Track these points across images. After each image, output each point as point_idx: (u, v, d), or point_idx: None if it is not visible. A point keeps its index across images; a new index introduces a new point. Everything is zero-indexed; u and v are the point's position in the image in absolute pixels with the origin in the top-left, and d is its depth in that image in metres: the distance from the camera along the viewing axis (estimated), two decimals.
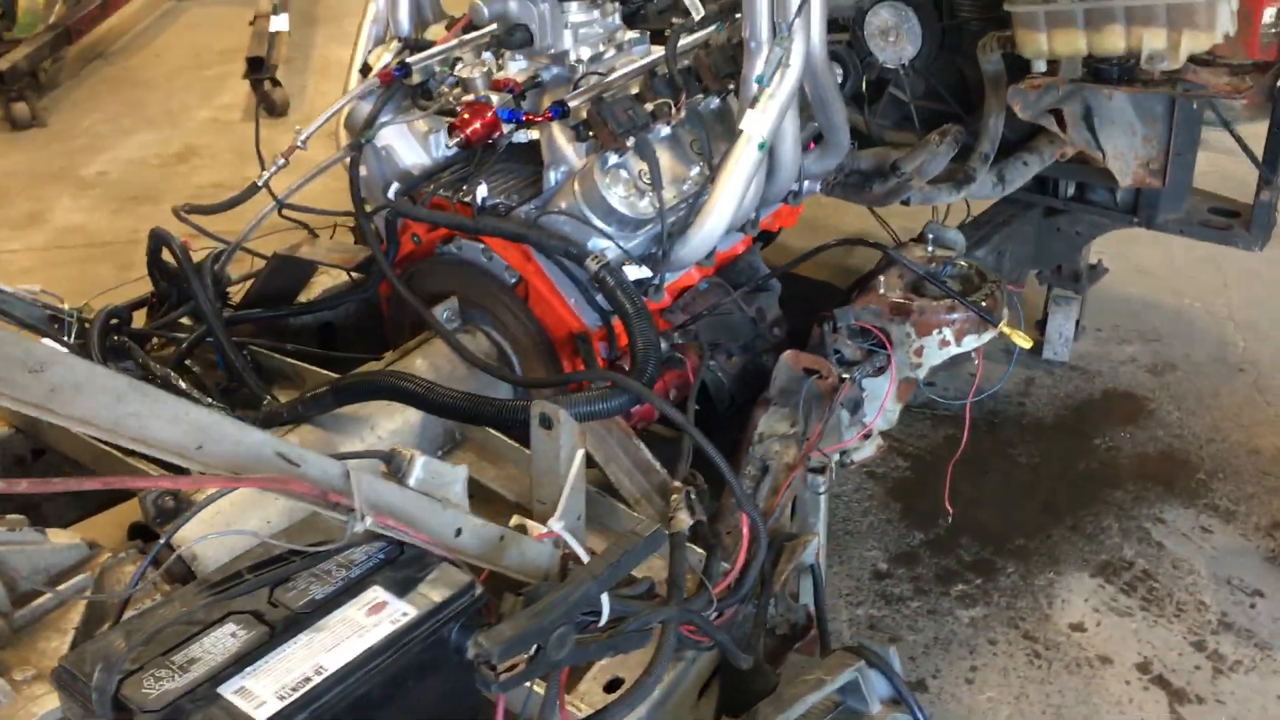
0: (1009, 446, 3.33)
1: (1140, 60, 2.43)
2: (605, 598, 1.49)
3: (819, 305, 2.65)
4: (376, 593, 1.47)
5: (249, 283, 2.90)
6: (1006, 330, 2.50)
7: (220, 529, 2.15)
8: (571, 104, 2.34)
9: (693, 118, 2.43)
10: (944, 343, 2.59)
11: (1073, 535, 3.00)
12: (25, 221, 4.84)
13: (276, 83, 5.77)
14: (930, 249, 2.76)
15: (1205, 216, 3.12)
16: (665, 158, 2.44)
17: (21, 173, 5.28)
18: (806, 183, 2.86)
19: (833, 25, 2.95)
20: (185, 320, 2.72)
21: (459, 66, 2.41)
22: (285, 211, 2.66)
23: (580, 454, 1.76)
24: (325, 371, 2.63)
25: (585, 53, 2.59)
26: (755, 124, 2.27)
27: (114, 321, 2.59)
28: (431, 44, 2.66)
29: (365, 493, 1.43)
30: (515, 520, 1.74)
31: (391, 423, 2.35)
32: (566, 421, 1.76)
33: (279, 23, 2.72)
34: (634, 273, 2.35)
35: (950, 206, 3.13)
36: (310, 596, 1.45)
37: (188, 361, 2.62)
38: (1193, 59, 2.53)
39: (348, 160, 2.58)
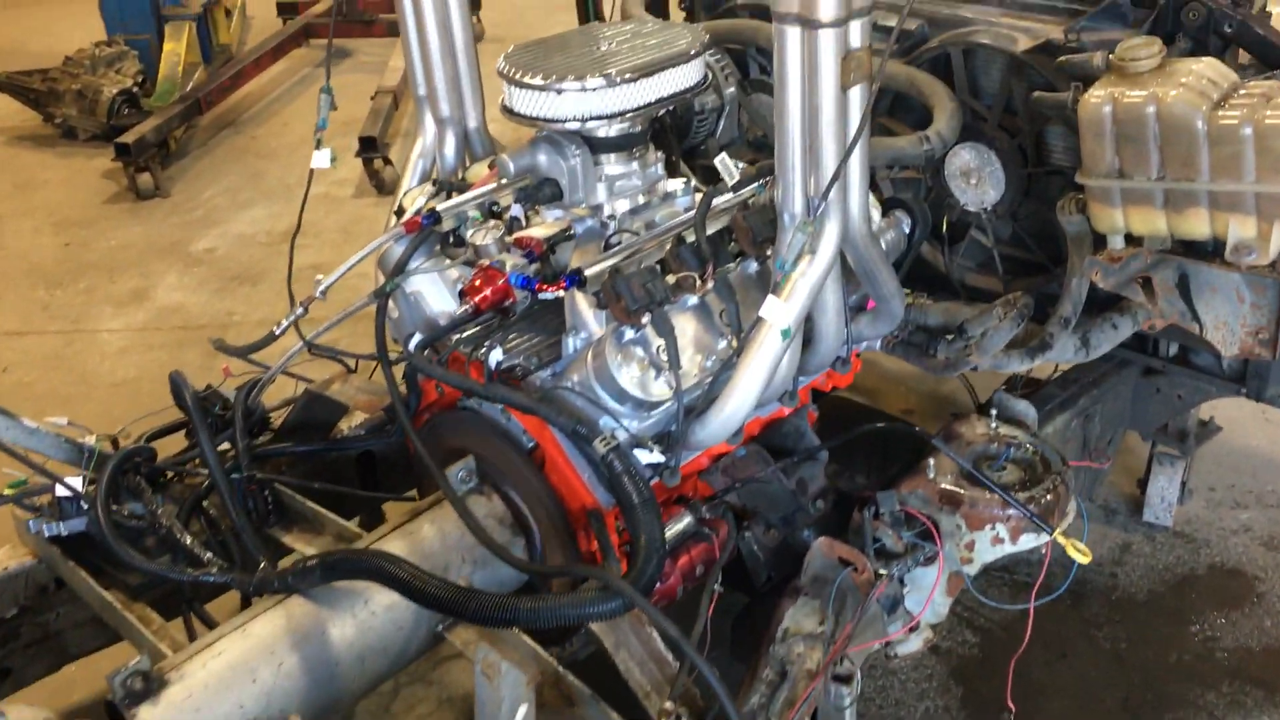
0: (1093, 626, 3.03)
1: (1225, 250, 2.16)
2: None
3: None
4: None
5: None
6: (1062, 540, 2.24)
7: (190, 713, 2.07)
8: (589, 272, 2.19)
9: (723, 288, 2.25)
10: (997, 540, 2.35)
11: None
12: (129, 299, 4.94)
13: (387, 161, 5.81)
14: (994, 424, 2.52)
15: None
16: (691, 328, 2.27)
17: (136, 245, 5.42)
18: (865, 344, 2.65)
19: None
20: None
21: (471, 232, 2.29)
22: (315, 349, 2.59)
23: (524, 709, 1.59)
24: (342, 521, 2.54)
25: (622, 206, 2.45)
26: (776, 312, 2.08)
27: (136, 460, 2.55)
28: (470, 186, 2.55)
29: None
30: None
31: (387, 597, 2.23)
32: (509, 674, 1.60)
33: (320, 159, 2.62)
34: (647, 456, 2.18)
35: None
36: None
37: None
38: None
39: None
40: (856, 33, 2.01)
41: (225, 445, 2.65)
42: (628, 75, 2.30)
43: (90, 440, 2.60)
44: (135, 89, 6.56)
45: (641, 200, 2.49)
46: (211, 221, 5.62)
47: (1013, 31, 2.77)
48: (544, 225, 2.45)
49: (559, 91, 2.27)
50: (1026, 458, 2.44)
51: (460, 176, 2.68)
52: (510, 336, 2.38)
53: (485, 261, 2.25)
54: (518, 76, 2.31)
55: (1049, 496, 2.34)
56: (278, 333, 2.49)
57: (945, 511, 2.37)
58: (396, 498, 2.81)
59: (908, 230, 2.73)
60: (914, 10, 2.95)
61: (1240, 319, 2.62)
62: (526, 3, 8.46)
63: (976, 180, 2.88)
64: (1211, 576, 3.16)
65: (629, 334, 2.17)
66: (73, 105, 6.46)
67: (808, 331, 2.36)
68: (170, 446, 2.74)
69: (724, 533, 2.46)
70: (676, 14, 3.63)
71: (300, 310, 2.46)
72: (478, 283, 2.20)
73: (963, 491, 2.34)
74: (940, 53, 2.86)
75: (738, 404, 2.18)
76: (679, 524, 2.39)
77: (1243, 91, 2.14)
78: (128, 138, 5.82)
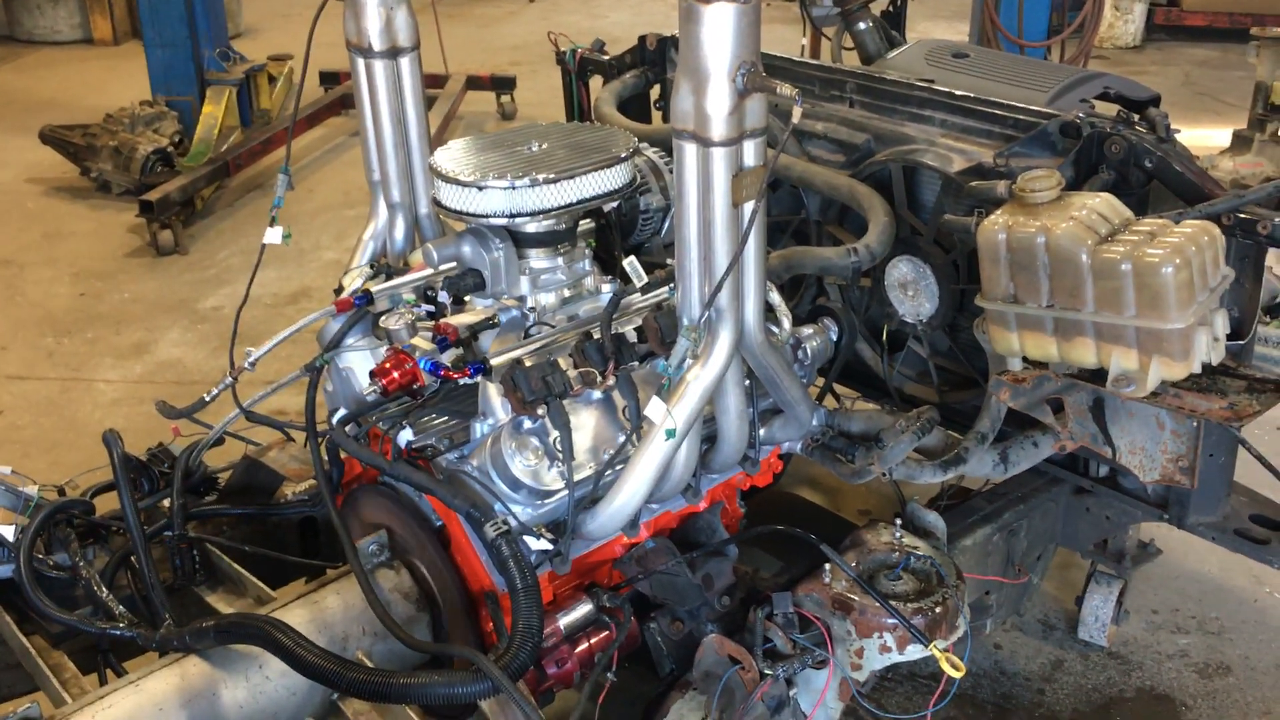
0: None
1: (1109, 379, 2.20)
2: None
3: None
4: None
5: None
6: (937, 653, 2.27)
7: None
8: (495, 362, 2.29)
9: (626, 384, 2.33)
10: (885, 648, 2.38)
11: None
12: (130, 351, 5.10)
13: None
14: (898, 534, 2.56)
15: (1244, 524, 2.80)
16: (593, 421, 2.35)
17: (147, 299, 5.60)
18: (786, 446, 2.72)
19: None
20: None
21: (384, 317, 2.39)
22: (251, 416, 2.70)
23: None
24: (261, 585, 2.63)
25: (546, 299, 2.55)
26: (659, 413, 2.15)
27: (71, 512, 2.66)
28: (408, 269, 2.67)
29: None
30: None
31: (282, 664, 2.29)
32: None
33: (272, 236, 2.75)
34: (536, 544, 2.25)
35: None
36: None
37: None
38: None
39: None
40: (750, 152, 2.11)
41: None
42: (552, 175, 2.41)
43: (33, 490, 2.72)
44: (170, 148, 6.81)
45: (567, 294, 2.59)
46: (223, 280, 5.81)
47: (950, 152, 2.86)
48: (473, 312, 2.55)
49: (481, 188, 2.38)
50: (924, 569, 2.47)
51: (403, 262, 2.79)
52: (428, 417, 2.48)
53: (397, 346, 2.34)
54: (447, 172, 2.43)
55: (938, 609, 2.36)
56: (207, 399, 2.61)
57: (837, 617, 2.40)
58: (329, 565, 2.89)
59: (835, 338, 2.80)
60: (861, 125, 3.06)
61: (1161, 445, 2.66)
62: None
63: (913, 293, 2.95)
64: (1139, 701, 3.15)
65: (526, 424, 2.25)
66: (108, 161, 6.71)
67: (713, 432, 2.43)
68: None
69: (624, 622, 2.52)
70: (656, 115, 3.76)
71: (229, 380, 2.58)
72: (387, 365, 2.30)
73: (854, 599, 2.38)
74: (883, 167, 2.95)
75: (626, 498, 2.25)
76: (579, 611, 2.45)
77: (1134, 227, 2.21)
78: (152, 195, 6.04)
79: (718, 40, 2.01)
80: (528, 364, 2.25)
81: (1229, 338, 2.51)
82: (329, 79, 8.38)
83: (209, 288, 5.72)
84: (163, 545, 2.70)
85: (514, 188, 2.39)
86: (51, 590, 2.54)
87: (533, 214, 2.42)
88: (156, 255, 6.06)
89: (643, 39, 3.61)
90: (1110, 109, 2.89)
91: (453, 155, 2.50)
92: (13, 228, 6.46)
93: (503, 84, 8.22)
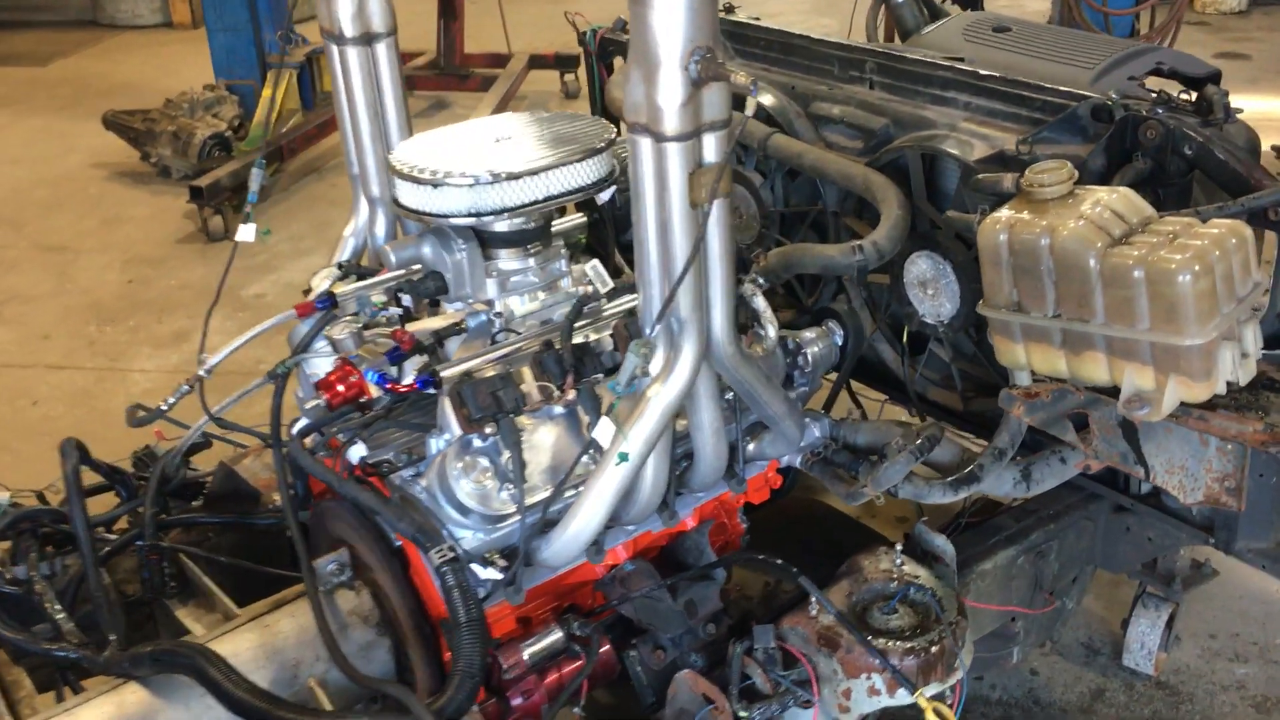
0: None
1: (1120, 399, 1.95)
2: None
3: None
4: None
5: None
6: (923, 703, 2.04)
7: None
8: (447, 374, 2.12)
9: (588, 399, 2.14)
10: (874, 690, 2.16)
11: None
12: (169, 340, 5.07)
13: None
14: (898, 561, 2.33)
15: None
16: (551, 440, 2.17)
17: (194, 286, 5.56)
18: (785, 459, 2.51)
19: None
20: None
21: (330, 326, 2.24)
22: (219, 425, 2.59)
23: None
24: (228, 601, 2.51)
25: (516, 303, 2.37)
26: (606, 434, 1.96)
27: (37, 521, 2.57)
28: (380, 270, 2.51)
29: None
30: None
31: None
32: None
33: (245, 233, 2.62)
34: (485, 572, 2.08)
35: None
36: None
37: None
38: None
39: None
40: (711, 147, 1.90)
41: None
42: (516, 171, 2.23)
43: (4, 496, 2.64)
44: (229, 133, 6.78)
45: (542, 297, 2.41)
46: (270, 267, 5.75)
47: (972, 138, 2.60)
48: (440, 317, 2.39)
49: (437, 186, 2.21)
50: (922, 602, 2.25)
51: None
52: (389, 429, 2.32)
53: (343, 355, 2.19)
54: (404, 168, 2.26)
55: (933, 649, 2.14)
56: (165, 408, 2.49)
57: (824, 654, 2.19)
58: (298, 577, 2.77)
59: (840, 342, 2.58)
60: (880, 108, 2.81)
61: (1205, 464, 2.38)
62: None
63: (933, 292, 2.70)
64: None
65: (476, 442, 2.08)
66: (167, 145, 6.71)
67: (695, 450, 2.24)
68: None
69: (601, 650, 2.34)
70: None
71: (186, 387, 2.46)
72: (332, 378, 2.15)
73: (842, 635, 2.17)
74: (900, 154, 2.71)
75: (582, 525, 2.06)
76: (547, 639, 2.28)
77: (1154, 227, 1.94)
78: (202, 180, 6.01)
79: (668, 23, 1.80)
80: (479, 376, 2.08)
81: (1277, 346, 2.23)
82: None
83: (255, 275, 5.67)
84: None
85: (474, 185, 2.21)
86: (21, 603, 2.46)
87: (495, 213, 2.24)
88: (208, 241, 6.03)
89: None
90: (1171, 87, 2.61)
91: (414, 150, 2.33)
92: (73, 214, 6.49)
93: (566, 62, 8.03)
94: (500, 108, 7.12)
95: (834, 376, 2.82)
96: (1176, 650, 3.08)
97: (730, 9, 3.33)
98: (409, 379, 2.19)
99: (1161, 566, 2.99)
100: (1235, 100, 2.42)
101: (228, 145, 6.73)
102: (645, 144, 1.89)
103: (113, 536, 2.66)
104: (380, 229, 2.72)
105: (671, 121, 1.84)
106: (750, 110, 1.77)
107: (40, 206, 6.64)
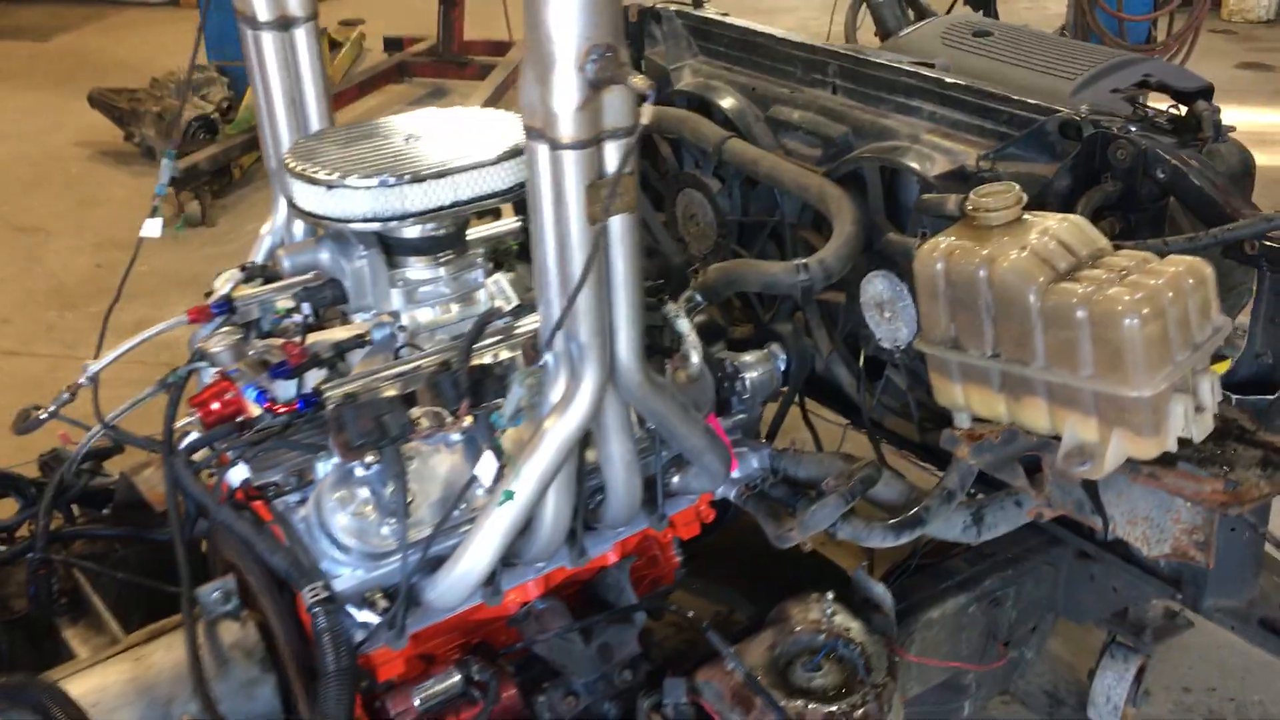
0: None
1: (1059, 453, 1.75)
2: None
3: None
4: None
5: None
6: None
7: None
8: (332, 393, 1.94)
9: (482, 427, 1.95)
10: None
11: None
12: (130, 328, 4.84)
13: None
14: (829, 610, 2.14)
15: (1271, 613, 2.31)
16: (444, 470, 1.98)
17: (163, 273, 5.39)
18: (719, 492, 2.32)
19: None
20: None
21: (204, 337, 2.06)
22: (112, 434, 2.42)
23: None
24: (114, 625, 2.35)
25: (424, 315, 2.19)
26: (489, 472, 1.78)
27: None
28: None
29: None
30: None
31: None
32: None
33: (151, 228, 2.46)
34: (362, 615, 1.90)
35: None
36: None
37: None
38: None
39: None
40: (613, 156, 1.71)
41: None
42: (422, 173, 2.05)
43: None
44: (215, 115, 6.61)
45: (454, 310, 2.22)
46: (243, 255, 5.56)
47: (935, 151, 2.40)
48: (345, 328, 2.21)
49: (332, 188, 2.03)
50: (850, 658, 2.06)
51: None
52: (283, 448, 2.14)
53: (222, 371, 2.02)
54: (298, 169, 2.08)
55: (856, 713, 1.95)
56: (43, 417, 2.33)
57: (737, 713, 2.01)
58: None
59: (783, 367, 2.39)
60: (841, 115, 2.62)
61: (1172, 515, 2.19)
62: None
63: (890, 315, 2.51)
64: None
65: (358, 471, 1.90)
66: (151, 126, 6.54)
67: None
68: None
69: (505, 695, 2.17)
70: None
71: (66, 395, 2.30)
72: (206, 395, 1.97)
73: (754, 696, 1.98)
74: (858, 166, 2.51)
75: (469, 565, 1.88)
76: (444, 683, 2.10)
77: (1106, 261, 1.74)
78: (179, 163, 5.84)
79: (562, 18, 1.61)
80: (365, 398, 1.90)
81: (1254, 390, 2.03)
82: (393, 45, 8.12)
83: (227, 262, 5.44)
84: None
85: (374, 187, 2.03)
86: None
87: (398, 218, 2.06)
88: (185, 227, 5.87)
89: (625, 10, 3.20)
90: (1152, 103, 2.41)
91: (312, 148, 2.15)
92: (50, 193, 6.35)
93: None
94: (497, 96, 6.94)
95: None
96: (1146, 705, 2.88)
97: (699, 3, 3.14)
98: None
99: (1132, 615, 2.78)
100: (1254, 115, 2.25)
101: (214, 127, 6.56)
102: (541, 150, 1.70)
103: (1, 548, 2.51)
104: (299, 229, 2.54)
105: (567, 127, 1.65)
106: (646, 119, 1.58)
107: (20, 184, 6.49)
